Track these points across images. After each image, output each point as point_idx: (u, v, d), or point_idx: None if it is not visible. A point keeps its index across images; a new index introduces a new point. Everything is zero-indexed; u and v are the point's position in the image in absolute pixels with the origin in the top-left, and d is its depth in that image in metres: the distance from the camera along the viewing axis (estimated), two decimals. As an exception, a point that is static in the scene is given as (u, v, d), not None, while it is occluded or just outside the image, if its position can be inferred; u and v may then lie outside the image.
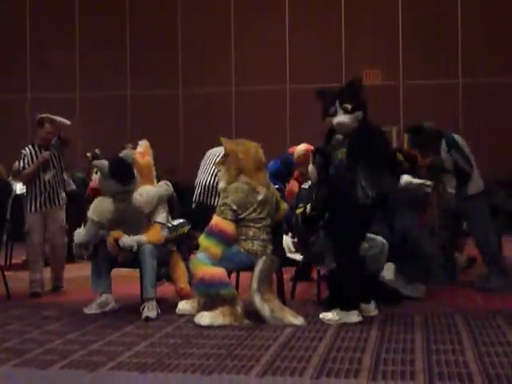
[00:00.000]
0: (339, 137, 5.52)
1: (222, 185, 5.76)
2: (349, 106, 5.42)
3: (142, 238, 5.92)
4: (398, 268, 6.63)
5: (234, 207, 5.59)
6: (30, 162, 7.10)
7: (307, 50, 16.34)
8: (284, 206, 6.03)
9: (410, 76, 16.14)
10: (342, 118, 5.44)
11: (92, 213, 6.02)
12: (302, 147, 8.06)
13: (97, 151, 12.03)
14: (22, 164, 7.15)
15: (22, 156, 7.17)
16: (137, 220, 5.98)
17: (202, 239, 5.63)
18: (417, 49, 16.04)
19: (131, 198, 5.95)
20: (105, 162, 6.03)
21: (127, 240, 5.87)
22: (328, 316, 5.45)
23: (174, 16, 17.26)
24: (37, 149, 7.18)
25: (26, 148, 7.22)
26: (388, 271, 5.97)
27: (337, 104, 5.47)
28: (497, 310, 5.89)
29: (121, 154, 6.15)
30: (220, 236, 5.55)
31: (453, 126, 15.13)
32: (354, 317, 5.40)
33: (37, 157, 7.11)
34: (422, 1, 16.18)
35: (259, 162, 5.86)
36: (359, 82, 5.60)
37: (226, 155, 5.82)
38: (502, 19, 15.85)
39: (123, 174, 5.94)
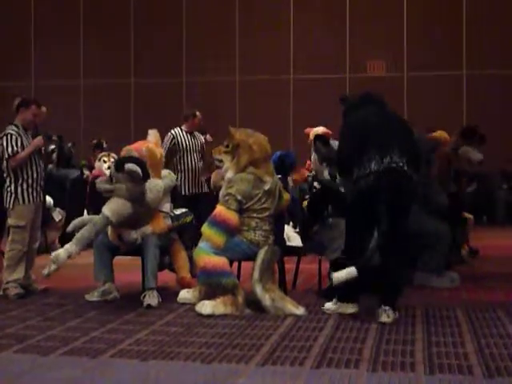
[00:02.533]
0: None
1: (229, 175, 5.73)
2: None
3: (146, 229, 5.92)
4: (419, 262, 6.64)
5: (239, 197, 5.58)
6: (20, 145, 6.29)
7: (312, 40, 16.30)
8: (286, 196, 6.03)
9: (415, 67, 16.10)
10: None
11: (111, 214, 5.68)
12: (320, 129, 7.89)
13: (102, 140, 12.06)
14: (12, 145, 6.23)
15: (10, 136, 6.26)
16: (144, 214, 5.95)
17: (205, 228, 5.62)
18: (421, 40, 16.00)
19: (145, 198, 5.85)
20: (137, 168, 5.64)
21: (131, 233, 5.87)
22: (327, 305, 5.46)
23: (179, 4, 17.22)
24: (22, 131, 6.37)
25: (12, 127, 6.35)
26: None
27: None
28: (497, 302, 5.89)
29: (133, 154, 5.85)
30: (223, 225, 5.55)
31: (456, 118, 15.16)
32: (349, 308, 5.35)
33: (23, 139, 6.33)
34: (428, -8, 16.14)
35: (267, 154, 5.89)
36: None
37: (237, 146, 5.78)
38: (506, 11, 15.79)
39: (146, 176, 5.77)
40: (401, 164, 5.02)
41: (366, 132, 5.14)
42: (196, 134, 8.45)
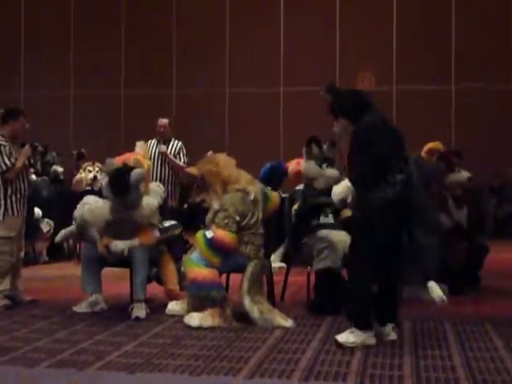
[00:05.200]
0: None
1: (215, 206, 5.69)
2: (335, 114, 5.08)
3: (134, 241, 5.89)
4: (405, 276, 6.62)
5: (238, 218, 5.58)
6: (10, 156, 6.24)
7: (301, 53, 16.37)
8: (273, 195, 5.99)
9: (404, 81, 16.19)
10: (335, 128, 5.15)
11: (88, 215, 5.80)
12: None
13: (83, 150, 12.11)
14: (8, 156, 6.18)
15: (3, 148, 6.19)
16: (132, 227, 5.92)
17: (203, 247, 5.55)
18: (410, 54, 16.09)
19: (129, 211, 5.80)
20: (111, 170, 5.74)
21: (118, 245, 5.85)
22: (345, 337, 4.76)
23: (169, 17, 17.26)
24: (9, 142, 6.29)
25: (1, 137, 6.25)
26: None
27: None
28: (485, 315, 5.91)
29: (132, 164, 5.87)
30: (222, 249, 5.55)
31: (446, 132, 15.24)
32: (370, 338, 4.76)
33: (12, 150, 6.26)
34: (417, 7, 16.24)
35: (233, 165, 5.92)
36: (331, 88, 5.21)
37: (201, 179, 5.80)
38: (494, 27, 15.92)
39: (118, 187, 5.68)
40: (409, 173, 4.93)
41: (390, 139, 4.88)
42: (170, 142, 8.33)
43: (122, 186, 5.61)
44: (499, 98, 15.81)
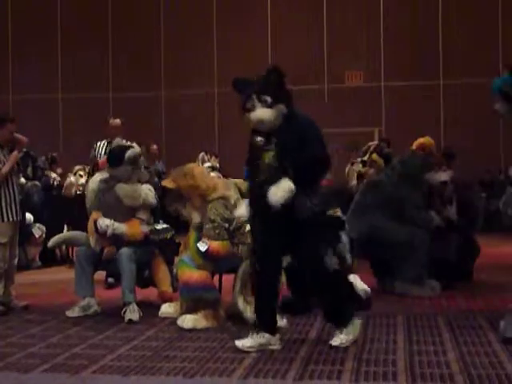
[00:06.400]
0: (260, 139, 4.67)
1: (196, 219, 5.65)
2: (268, 99, 4.56)
3: (121, 225, 5.93)
4: (397, 272, 6.67)
5: (226, 225, 5.56)
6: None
7: (289, 51, 16.37)
8: (241, 182, 5.82)
9: (392, 77, 16.22)
10: (261, 113, 4.58)
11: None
12: None
13: (54, 154, 12.14)
14: None
15: None
16: (114, 201, 6.03)
17: (196, 256, 5.53)
18: (398, 50, 16.13)
19: (116, 182, 6.08)
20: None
21: (104, 221, 5.93)
22: (340, 339, 4.72)
23: (157, 18, 17.23)
24: None
25: None
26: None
27: (254, 97, 4.62)
28: (478, 310, 5.93)
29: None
30: (217, 258, 5.54)
31: (434, 127, 15.28)
32: (356, 327, 4.81)
33: (1, 156, 6.30)
34: (404, 3, 16.29)
35: (206, 174, 6.00)
36: (278, 70, 4.63)
37: (178, 192, 5.71)
38: (481, 21, 15.97)
39: (113, 158, 6.19)
40: None
41: None
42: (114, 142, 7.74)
43: (116, 157, 6.16)
44: (488, 92, 15.86)
